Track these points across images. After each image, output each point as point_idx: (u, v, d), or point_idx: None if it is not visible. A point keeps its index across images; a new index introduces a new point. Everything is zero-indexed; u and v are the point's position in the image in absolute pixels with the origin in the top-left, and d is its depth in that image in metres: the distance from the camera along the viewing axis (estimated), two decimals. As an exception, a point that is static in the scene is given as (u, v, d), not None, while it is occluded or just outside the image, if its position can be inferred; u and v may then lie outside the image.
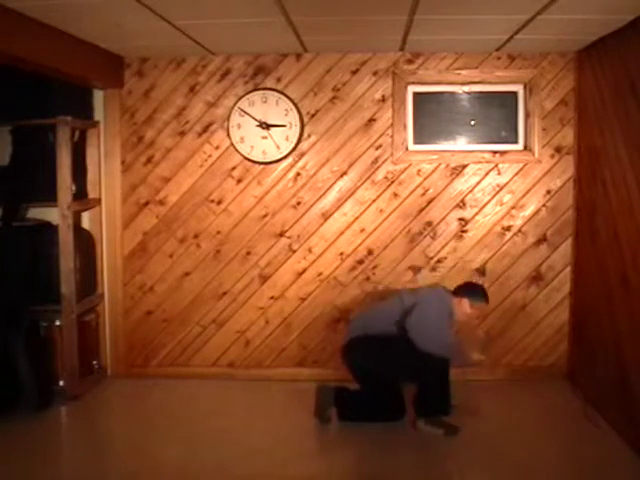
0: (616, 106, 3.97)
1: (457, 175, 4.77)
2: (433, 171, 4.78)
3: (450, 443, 3.88)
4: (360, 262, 4.86)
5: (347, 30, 4.06)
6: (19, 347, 4.23)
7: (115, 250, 4.93)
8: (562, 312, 4.80)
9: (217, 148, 4.85)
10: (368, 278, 4.86)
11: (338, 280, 4.88)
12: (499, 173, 4.76)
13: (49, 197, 4.45)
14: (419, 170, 4.78)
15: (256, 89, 4.78)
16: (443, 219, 4.78)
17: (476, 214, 4.78)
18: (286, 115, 4.76)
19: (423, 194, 4.79)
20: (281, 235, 4.88)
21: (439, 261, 4.81)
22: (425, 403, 4.03)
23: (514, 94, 4.76)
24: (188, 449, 3.79)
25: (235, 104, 4.79)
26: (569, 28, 3.89)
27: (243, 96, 4.78)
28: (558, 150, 4.72)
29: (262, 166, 4.84)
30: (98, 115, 4.88)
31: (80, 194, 4.69)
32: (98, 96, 4.87)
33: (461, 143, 4.82)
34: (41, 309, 4.49)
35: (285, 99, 4.75)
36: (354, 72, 4.75)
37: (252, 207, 4.87)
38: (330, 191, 4.83)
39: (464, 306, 4.07)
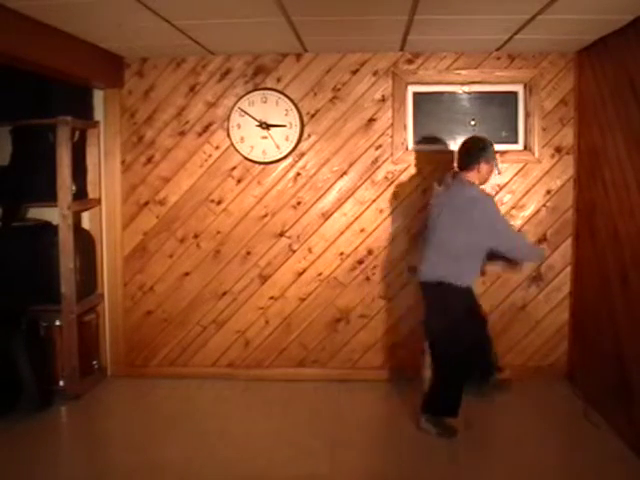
0: (616, 106, 3.97)
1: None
2: (433, 171, 4.78)
3: (450, 443, 3.88)
4: (360, 262, 4.86)
5: (347, 30, 4.06)
6: (19, 347, 4.23)
7: (115, 250, 4.94)
8: (562, 312, 4.80)
9: (217, 148, 4.85)
10: (368, 278, 4.86)
11: (338, 280, 4.88)
12: (499, 173, 4.74)
13: (49, 197, 4.45)
14: (419, 170, 4.78)
15: (256, 89, 4.78)
16: (443, 219, 4.77)
17: (476, 214, 4.77)
18: (286, 115, 4.76)
19: (423, 194, 4.79)
20: (281, 235, 4.88)
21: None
22: (435, 400, 3.95)
23: (514, 94, 4.76)
24: (188, 449, 3.79)
25: (235, 104, 4.79)
26: (569, 28, 3.89)
27: (243, 96, 4.79)
28: (558, 150, 4.72)
29: (262, 166, 4.84)
30: (98, 115, 4.88)
31: (80, 194, 4.69)
32: (98, 96, 4.87)
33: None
34: (41, 309, 4.49)
35: (285, 99, 4.75)
36: (354, 72, 4.75)
37: (252, 207, 4.87)
38: (330, 191, 4.84)
39: (483, 171, 3.86)
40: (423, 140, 4.81)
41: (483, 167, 3.86)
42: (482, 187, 3.94)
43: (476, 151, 3.87)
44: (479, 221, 3.76)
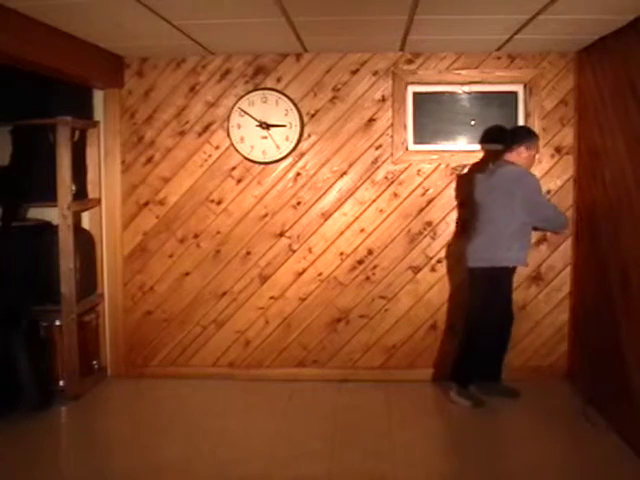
0: (616, 106, 3.97)
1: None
2: (433, 171, 4.78)
3: (450, 442, 3.89)
4: (360, 262, 4.86)
5: (347, 30, 4.06)
6: (19, 347, 4.23)
7: (115, 250, 4.94)
8: (562, 312, 4.80)
9: (217, 148, 4.85)
10: (368, 278, 4.86)
11: (338, 280, 4.88)
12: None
13: (49, 197, 4.45)
14: (419, 170, 4.78)
15: (256, 89, 4.78)
16: (443, 219, 4.78)
17: (476, 214, 4.78)
18: (286, 115, 4.76)
19: (423, 194, 4.79)
20: (281, 235, 4.88)
21: (439, 261, 4.81)
22: (458, 367, 4.37)
23: (514, 94, 4.76)
24: (188, 449, 3.79)
25: (235, 104, 4.79)
26: (569, 28, 3.89)
27: (243, 96, 4.79)
28: (558, 150, 4.72)
29: (262, 166, 4.84)
30: (98, 115, 4.88)
31: (80, 194, 4.69)
32: (98, 96, 4.87)
33: (461, 143, 4.81)
34: (41, 309, 4.49)
35: (285, 99, 4.75)
36: (354, 72, 4.75)
37: (252, 207, 4.87)
38: (330, 191, 4.84)
39: (522, 155, 4.17)
40: (423, 140, 4.81)
41: (523, 151, 4.18)
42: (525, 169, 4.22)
43: (520, 134, 4.25)
44: (522, 198, 4.11)
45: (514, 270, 4.34)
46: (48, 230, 4.59)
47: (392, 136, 4.76)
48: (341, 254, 4.86)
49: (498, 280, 4.26)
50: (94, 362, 4.87)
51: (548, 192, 4.73)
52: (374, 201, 4.82)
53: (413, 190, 4.80)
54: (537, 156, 4.31)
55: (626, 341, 3.81)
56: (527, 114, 4.70)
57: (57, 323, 4.49)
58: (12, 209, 4.62)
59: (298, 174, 4.84)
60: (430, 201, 4.79)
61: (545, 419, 4.18)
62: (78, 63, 4.17)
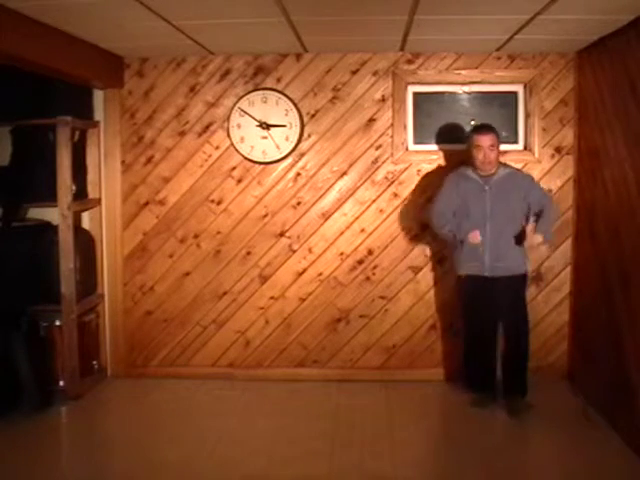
0: (616, 106, 3.97)
1: (457, 175, 4.77)
2: (433, 171, 4.78)
3: (449, 442, 3.88)
4: (360, 262, 4.86)
5: (347, 30, 4.06)
6: (19, 347, 4.23)
7: (115, 250, 4.94)
8: (562, 312, 4.80)
9: (217, 148, 4.85)
10: (368, 278, 4.86)
11: (338, 280, 4.88)
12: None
13: (49, 197, 4.45)
14: (419, 170, 4.79)
15: (256, 89, 4.78)
16: (443, 219, 4.77)
17: (476, 214, 4.77)
18: (286, 115, 4.76)
19: (423, 194, 4.79)
20: (281, 235, 4.88)
21: (439, 261, 4.81)
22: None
23: (514, 94, 4.76)
24: (188, 449, 3.79)
25: (235, 104, 4.79)
26: (569, 28, 3.89)
27: (243, 96, 4.79)
28: (558, 150, 4.72)
29: (262, 166, 4.84)
30: (98, 115, 4.88)
31: (80, 194, 4.69)
32: (98, 96, 4.87)
33: (461, 143, 4.81)
34: (41, 309, 4.50)
35: (285, 99, 4.75)
36: (354, 72, 4.75)
37: (252, 207, 4.87)
38: (330, 191, 4.84)
39: (471, 153, 4.18)
40: (423, 140, 4.81)
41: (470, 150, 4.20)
42: (466, 168, 4.28)
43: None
44: None
45: (472, 279, 4.24)
46: (48, 230, 4.59)
47: (392, 136, 4.76)
48: (341, 254, 4.86)
49: (459, 284, 4.41)
50: (94, 362, 4.87)
51: (548, 192, 4.72)
52: (374, 201, 4.82)
53: (413, 190, 4.80)
54: (477, 152, 4.12)
55: (626, 341, 3.81)
56: (527, 114, 4.70)
57: (57, 323, 4.49)
58: (12, 209, 4.62)
59: (298, 174, 4.84)
60: (430, 201, 4.78)
61: (545, 419, 4.18)
62: (78, 63, 4.17)
